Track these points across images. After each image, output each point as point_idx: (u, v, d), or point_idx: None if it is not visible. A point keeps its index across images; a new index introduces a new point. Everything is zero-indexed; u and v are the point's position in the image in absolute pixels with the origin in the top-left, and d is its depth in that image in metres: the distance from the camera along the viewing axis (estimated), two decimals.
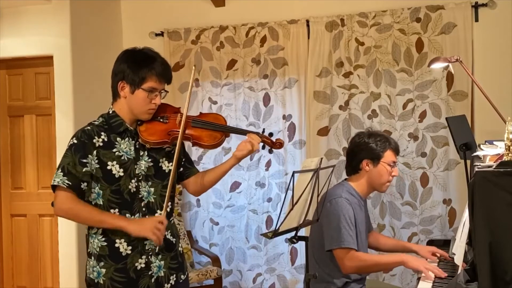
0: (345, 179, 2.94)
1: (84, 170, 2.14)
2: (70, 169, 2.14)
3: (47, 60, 4.26)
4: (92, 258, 2.24)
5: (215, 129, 2.28)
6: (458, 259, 2.12)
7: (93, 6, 4.47)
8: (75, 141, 2.18)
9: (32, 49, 4.26)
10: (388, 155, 2.80)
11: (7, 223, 4.47)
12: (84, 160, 2.15)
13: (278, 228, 2.19)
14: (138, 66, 2.19)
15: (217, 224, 4.67)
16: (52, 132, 4.25)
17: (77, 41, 4.23)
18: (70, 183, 2.13)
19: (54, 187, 2.18)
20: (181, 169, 2.38)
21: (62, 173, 2.14)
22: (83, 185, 2.16)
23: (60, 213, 2.20)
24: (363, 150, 2.80)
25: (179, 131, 2.21)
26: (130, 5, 4.90)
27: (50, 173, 4.32)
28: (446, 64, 3.34)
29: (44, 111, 4.37)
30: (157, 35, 4.79)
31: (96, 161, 2.17)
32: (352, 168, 2.87)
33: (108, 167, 2.18)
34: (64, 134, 4.13)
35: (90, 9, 4.41)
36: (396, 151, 2.86)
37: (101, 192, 2.19)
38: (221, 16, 4.68)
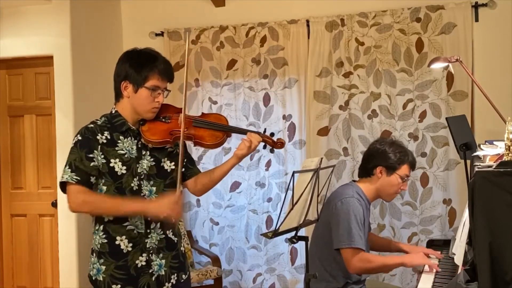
0: (353, 181, 2.95)
1: (91, 164, 2.17)
2: (78, 165, 2.16)
3: (47, 60, 4.26)
4: (94, 255, 2.27)
5: (217, 128, 2.31)
6: (458, 259, 2.12)
7: (93, 6, 4.47)
8: (80, 138, 2.20)
9: (32, 49, 4.26)
10: (404, 169, 2.81)
11: (7, 223, 4.47)
12: (91, 155, 2.17)
13: (278, 228, 2.19)
14: (140, 65, 2.22)
15: (217, 224, 4.67)
16: (52, 132, 4.25)
17: (77, 41, 4.22)
18: (79, 178, 2.15)
19: (64, 186, 2.19)
20: (183, 169, 2.38)
21: (70, 170, 2.16)
22: (92, 179, 2.18)
23: (76, 207, 2.18)
24: (380, 157, 2.81)
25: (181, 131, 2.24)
26: (130, 5, 4.90)
27: (50, 173, 4.33)
28: (446, 64, 3.33)
29: (44, 111, 4.37)
30: (157, 35, 4.79)
31: (102, 156, 2.19)
32: (365, 171, 2.88)
33: (111, 164, 2.20)
34: (64, 134, 4.14)
35: (90, 9, 4.41)
36: (412, 166, 2.87)
37: (105, 188, 2.20)
38: (221, 16, 4.68)
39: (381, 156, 2.81)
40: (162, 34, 4.78)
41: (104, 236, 2.23)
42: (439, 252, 2.87)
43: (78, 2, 4.25)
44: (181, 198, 2.19)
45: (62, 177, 2.17)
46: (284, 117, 4.52)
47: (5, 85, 4.47)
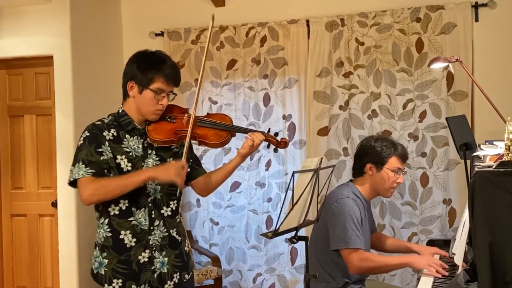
0: (350, 180, 2.95)
1: (102, 158, 2.19)
2: (90, 159, 2.18)
3: (47, 60, 4.26)
4: (97, 248, 2.29)
5: (221, 128, 2.34)
6: (458, 259, 2.12)
7: (93, 6, 4.47)
8: (88, 134, 2.23)
9: (32, 49, 4.26)
10: (393, 162, 2.78)
11: (7, 223, 4.47)
12: (100, 150, 2.20)
13: (278, 228, 2.19)
14: (147, 67, 2.26)
15: (217, 224, 4.67)
16: (52, 132, 4.25)
17: (77, 41, 4.22)
18: (94, 171, 2.17)
19: (75, 183, 2.19)
20: (189, 169, 2.40)
21: (84, 165, 2.17)
22: (106, 172, 2.20)
23: (88, 197, 2.17)
24: (368, 154, 2.81)
25: (186, 131, 2.27)
26: (130, 5, 4.90)
27: (50, 173, 4.33)
28: (446, 64, 3.33)
29: (44, 111, 4.37)
30: (157, 35, 4.79)
31: (110, 151, 2.22)
32: (357, 170, 2.87)
33: (117, 161, 2.23)
34: (64, 134, 4.14)
35: (90, 9, 4.41)
36: (403, 158, 2.83)
37: None
38: (221, 16, 4.67)
39: (368, 153, 2.81)
40: (162, 34, 4.77)
41: (108, 229, 2.25)
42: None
43: (78, 2, 4.25)
44: (185, 167, 2.21)
45: (78, 173, 2.16)
46: (284, 117, 4.52)
47: (5, 85, 4.47)
